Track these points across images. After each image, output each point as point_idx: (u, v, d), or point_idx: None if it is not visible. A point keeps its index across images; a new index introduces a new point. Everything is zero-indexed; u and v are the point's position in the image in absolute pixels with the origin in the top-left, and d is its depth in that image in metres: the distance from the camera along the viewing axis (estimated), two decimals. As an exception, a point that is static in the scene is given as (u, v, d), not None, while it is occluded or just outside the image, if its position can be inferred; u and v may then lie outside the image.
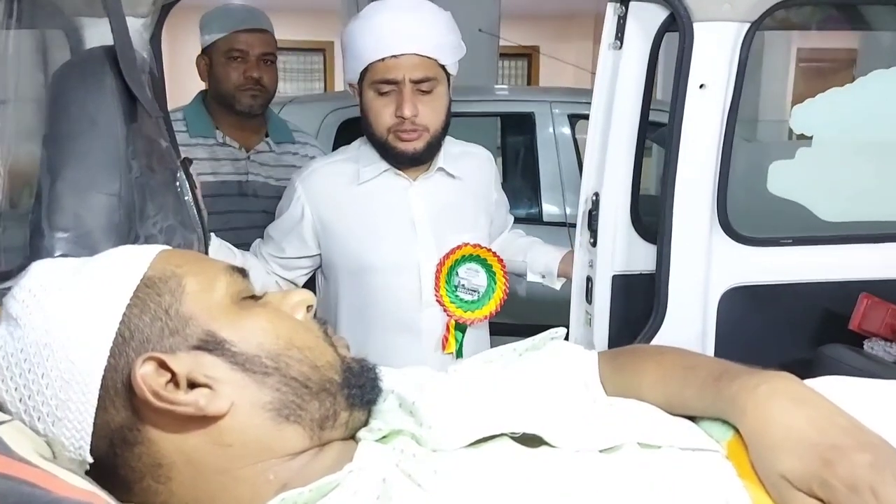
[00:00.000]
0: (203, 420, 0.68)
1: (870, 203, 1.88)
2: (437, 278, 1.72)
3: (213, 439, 0.68)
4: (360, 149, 1.75)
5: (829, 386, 0.75)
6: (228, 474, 0.68)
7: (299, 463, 0.71)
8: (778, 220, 1.96)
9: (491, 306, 1.78)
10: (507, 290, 1.81)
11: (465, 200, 1.80)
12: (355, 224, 1.70)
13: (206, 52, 2.13)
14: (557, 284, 1.96)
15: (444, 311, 1.73)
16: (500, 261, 1.80)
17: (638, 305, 1.91)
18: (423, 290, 1.72)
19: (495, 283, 1.79)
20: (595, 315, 1.92)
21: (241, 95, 2.10)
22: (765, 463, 0.68)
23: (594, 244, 1.90)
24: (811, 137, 1.84)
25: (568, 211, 3.44)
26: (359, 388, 0.76)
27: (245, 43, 2.09)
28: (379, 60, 1.56)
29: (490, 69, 5.52)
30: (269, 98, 2.18)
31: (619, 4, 1.75)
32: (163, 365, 0.67)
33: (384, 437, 0.76)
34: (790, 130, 1.95)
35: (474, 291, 1.77)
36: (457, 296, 1.74)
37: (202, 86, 2.21)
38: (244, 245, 2.12)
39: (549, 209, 3.53)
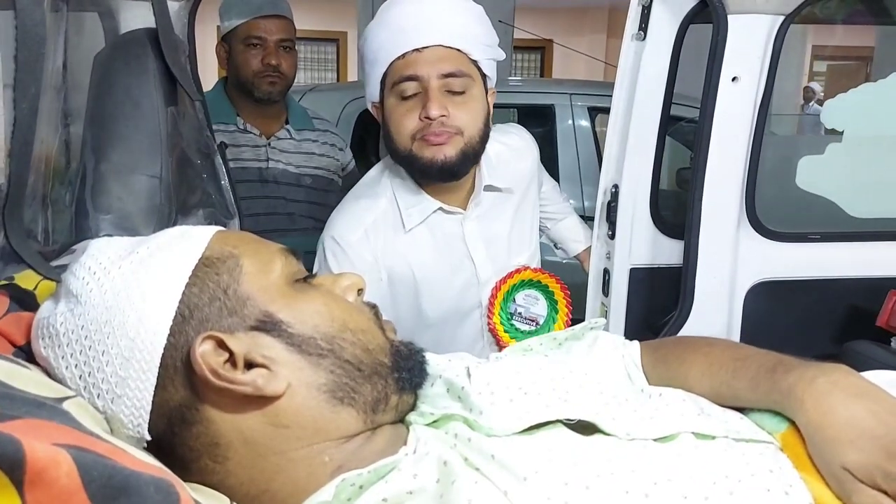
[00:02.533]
0: (260, 400, 0.68)
1: (900, 200, 1.88)
2: (491, 304, 1.53)
3: (270, 420, 0.68)
4: (392, 184, 1.47)
5: (883, 379, 0.74)
6: (285, 455, 0.68)
7: (353, 445, 0.71)
8: (806, 215, 1.96)
9: None
10: (570, 322, 1.60)
11: (519, 212, 1.59)
12: (408, 279, 1.46)
13: (226, 38, 2.13)
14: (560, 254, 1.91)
15: (497, 341, 1.56)
16: (564, 288, 1.62)
17: (655, 298, 1.91)
18: (484, 329, 1.56)
19: (556, 314, 1.61)
20: (611, 307, 1.92)
21: (259, 82, 2.10)
22: (826, 455, 0.68)
23: (612, 237, 1.90)
24: (842, 133, 1.83)
25: (586, 204, 3.43)
26: (408, 371, 0.76)
27: (264, 30, 2.08)
28: (399, 58, 1.34)
29: (504, 61, 5.53)
30: (287, 85, 2.17)
31: (643, -6, 1.75)
32: (221, 344, 0.67)
33: (435, 421, 0.76)
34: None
35: (532, 321, 1.59)
36: (512, 325, 1.57)
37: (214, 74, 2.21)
38: (263, 232, 2.12)
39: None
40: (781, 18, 1.65)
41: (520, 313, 1.57)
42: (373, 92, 1.42)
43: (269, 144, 2.16)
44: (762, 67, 1.69)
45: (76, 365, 0.67)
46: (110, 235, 1.03)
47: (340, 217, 1.46)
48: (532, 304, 1.58)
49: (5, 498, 0.40)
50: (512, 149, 1.60)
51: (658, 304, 1.90)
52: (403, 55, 1.33)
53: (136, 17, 1.35)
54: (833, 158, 1.86)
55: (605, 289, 1.96)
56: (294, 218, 2.18)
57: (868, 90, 1.81)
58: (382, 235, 1.43)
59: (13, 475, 0.40)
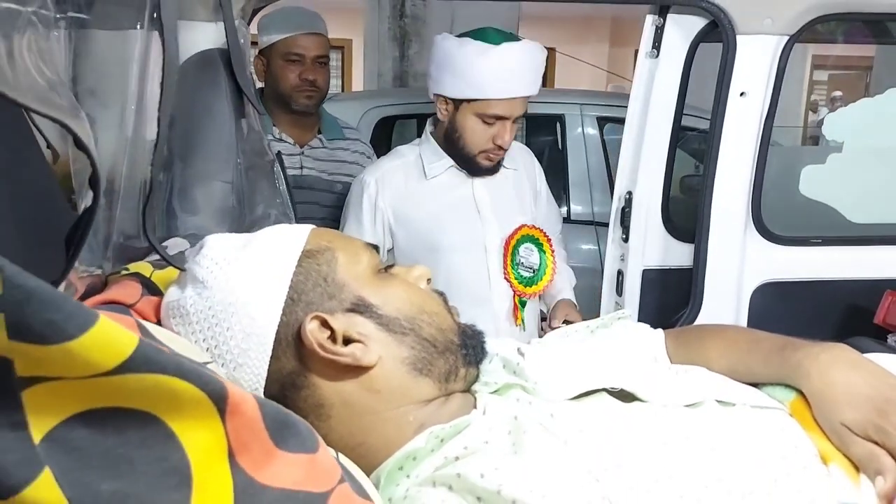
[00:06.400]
0: (357, 370, 0.81)
1: (896, 206, 2.00)
2: (505, 258, 1.89)
3: (365, 386, 0.81)
4: (421, 146, 1.92)
5: (877, 357, 0.88)
6: (377, 415, 0.81)
7: (432, 408, 0.84)
8: (808, 220, 2.08)
9: (545, 281, 1.96)
10: (556, 268, 1.99)
11: (519, 187, 1.99)
12: (424, 213, 1.87)
13: (264, 52, 2.25)
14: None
15: (511, 287, 1.91)
16: (549, 239, 1.97)
17: (666, 298, 2.04)
18: (490, 268, 1.90)
19: (546, 261, 1.96)
20: (625, 307, 2.04)
21: (297, 96, 2.22)
22: (828, 415, 0.82)
23: (626, 240, 2.03)
24: (842, 143, 1.96)
25: (595, 210, 3.55)
26: (472, 348, 0.89)
27: (302, 46, 2.19)
28: (497, 99, 1.74)
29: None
30: (322, 97, 2.29)
31: (657, 16, 1.88)
32: (325, 323, 0.80)
33: (497, 390, 0.89)
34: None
35: (531, 269, 1.94)
36: (519, 273, 1.92)
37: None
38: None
39: (577, 208, 3.64)
40: (786, 39, 1.79)
41: (522, 263, 1.93)
42: (453, 94, 1.79)
43: (303, 153, 2.28)
44: (768, 83, 1.82)
45: (204, 339, 0.80)
46: (194, 234, 1.17)
47: (372, 166, 1.99)
48: (530, 254, 1.95)
49: (213, 421, 0.53)
50: (518, 149, 2.05)
51: (669, 304, 2.02)
52: (501, 99, 1.74)
53: (191, 38, 1.48)
54: (834, 168, 1.98)
55: (619, 289, 2.08)
56: (327, 223, 2.30)
57: (866, 105, 1.94)
58: (401, 179, 1.88)
59: (219, 406, 0.53)
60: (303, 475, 0.59)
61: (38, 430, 0.46)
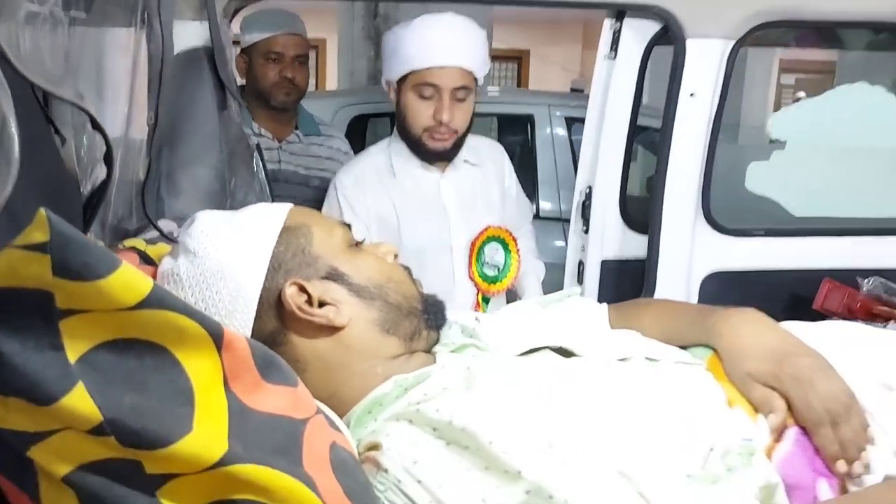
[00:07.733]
0: (331, 329, 0.93)
1: (834, 201, 2.14)
2: (470, 258, 1.96)
3: (337, 343, 0.93)
4: (390, 146, 1.97)
5: (784, 325, 1.02)
6: (348, 369, 0.93)
7: (398, 363, 0.96)
8: (753, 213, 2.21)
9: (509, 279, 2.04)
10: (520, 266, 2.06)
11: (486, 185, 2.04)
12: (391, 212, 1.92)
13: (246, 51, 2.35)
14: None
15: (476, 285, 1.98)
16: (515, 240, 2.04)
17: (623, 287, 2.14)
18: (455, 268, 1.96)
19: (511, 260, 2.04)
20: (585, 295, 2.15)
21: (276, 93, 2.33)
22: (734, 366, 0.96)
23: (586, 232, 2.14)
24: (786, 141, 2.10)
25: (563, 207, 3.67)
26: (433, 314, 1.01)
27: (282, 45, 2.31)
28: (425, 68, 1.79)
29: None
30: (301, 95, 2.41)
31: (614, 20, 2.01)
32: (302, 289, 0.92)
33: (454, 349, 1.01)
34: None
35: (496, 267, 2.02)
36: (483, 272, 1.99)
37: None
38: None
39: (545, 206, 3.76)
40: (733, 42, 1.92)
41: (487, 262, 2.00)
42: (393, 76, 1.86)
43: (281, 148, 2.39)
44: (716, 84, 1.94)
45: (195, 302, 0.91)
46: (180, 217, 1.27)
47: (345, 167, 2.03)
48: (495, 253, 2.02)
49: (211, 353, 0.64)
50: (485, 146, 2.10)
51: (626, 293, 2.13)
52: (429, 67, 1.78)
53: (184, 36, 1.59)
54: (777, 164, 2.12)
55: (580, 278, 2.21)
56: (302, 216, 2.40)
57: (806, 105, 2.08)
58: (373, 179, 1.92)
59: (217, 341, 0.65)
60: (285, 404, 0.71)
61: (73, 353, 0.58)
